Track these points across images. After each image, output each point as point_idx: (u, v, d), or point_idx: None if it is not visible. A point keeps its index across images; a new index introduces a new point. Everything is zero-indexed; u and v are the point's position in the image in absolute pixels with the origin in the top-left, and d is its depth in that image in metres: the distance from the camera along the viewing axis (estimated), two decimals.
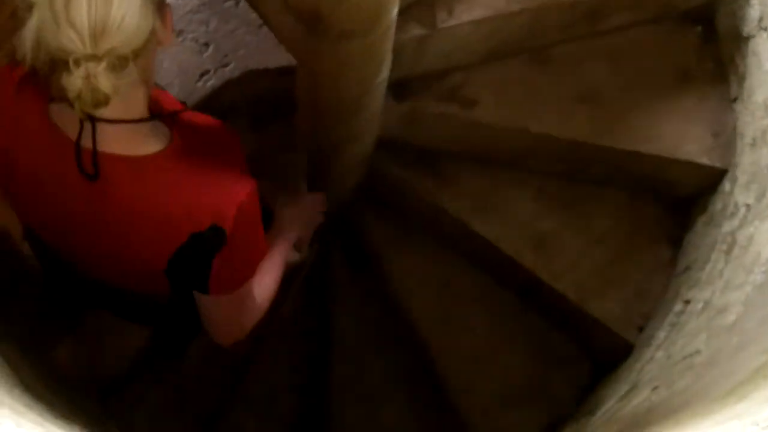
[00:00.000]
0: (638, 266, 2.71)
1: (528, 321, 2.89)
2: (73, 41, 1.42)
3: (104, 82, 1.44)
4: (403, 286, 2.98)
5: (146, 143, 1.63)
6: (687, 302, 2.39)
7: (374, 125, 2.47)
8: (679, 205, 2.75)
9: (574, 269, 2.70)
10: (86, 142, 1.56)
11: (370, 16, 1.83)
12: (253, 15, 4.66)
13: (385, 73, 2.18)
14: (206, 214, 1.62)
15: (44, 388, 1.89)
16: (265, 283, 1.92)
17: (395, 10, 1.90)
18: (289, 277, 3.54)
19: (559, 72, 2.71)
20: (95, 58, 1.44)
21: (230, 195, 1.65)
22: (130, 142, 1.60)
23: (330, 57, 1.95)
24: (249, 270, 1.78)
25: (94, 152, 1.56)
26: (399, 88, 2.57)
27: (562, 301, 2.70)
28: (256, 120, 4.20)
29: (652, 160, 2.63)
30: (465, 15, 2.43)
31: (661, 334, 2.44)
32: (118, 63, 1.47)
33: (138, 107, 1.61)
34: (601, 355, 2.78)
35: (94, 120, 1.53)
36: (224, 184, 1.68)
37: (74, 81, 1.43)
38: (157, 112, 1.67)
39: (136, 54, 1.50)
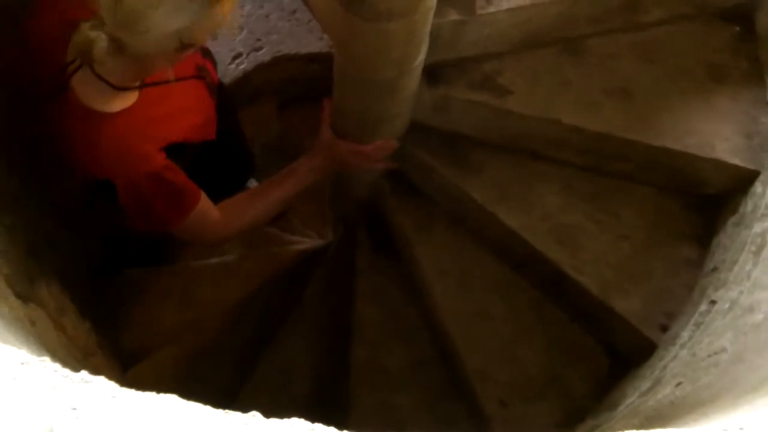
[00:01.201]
0: (663, 263, 2.70)
1: (548, 313, 2.89)
2: (106, 10, 1.70)
3: (97, 53, 1.75)
4: (426, 272, 2.98)
5: (103, 103, 1.96)
6: (713, 302, 2.38)
7: (408, 108, 2.47)
8: (706, 203, 2.73)
9: (598, 263, 2.69)
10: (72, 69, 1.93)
11: None
12: (287, 0, 4.69)
13: (422, 56, 2.18)
14: (101, 172, 2.04)
15: None
16: (241, 208, 2.43)
17: None
18: (312, 259, 3.56)
19: (593, 64, 2.70)
20: (108, 33, 1.73)
21: (125, 168, 2.02)
22: (95, 95, 1.95)
23: (369, 37, 1.96)
24: (162, 220, 2.20)
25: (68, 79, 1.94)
26: (432, 73, 2.57)
27: (584, 295, 2.69)
28: (285, 103, 4.22)
29: (681, 157, 2.62)
30: (504, 2, 2.43)
31: (685, 334, 2.43)
32: (118, 50, 1.77)
33: (117, 77, 1.93)
34: (620, 350, 2.77)
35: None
36: (129, 158, 2.02)
37: (82, 33, 1.74)
38: (126, 86, 1.98)
39: (142, 55, 1.82)
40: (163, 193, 2.10)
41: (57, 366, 0.66)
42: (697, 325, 2.40)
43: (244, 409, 0.82)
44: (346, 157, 2.57)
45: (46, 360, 0.65)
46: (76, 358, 2.24)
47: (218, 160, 2.58)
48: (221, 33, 1.92)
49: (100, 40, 1.76)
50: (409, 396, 3.05)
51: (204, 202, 2.25)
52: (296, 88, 4.20)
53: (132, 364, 2.93)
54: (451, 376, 3.00)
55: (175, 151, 2.12)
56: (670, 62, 2.74)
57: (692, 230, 2.72)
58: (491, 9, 2.43)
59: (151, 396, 0.65)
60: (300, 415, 0.84)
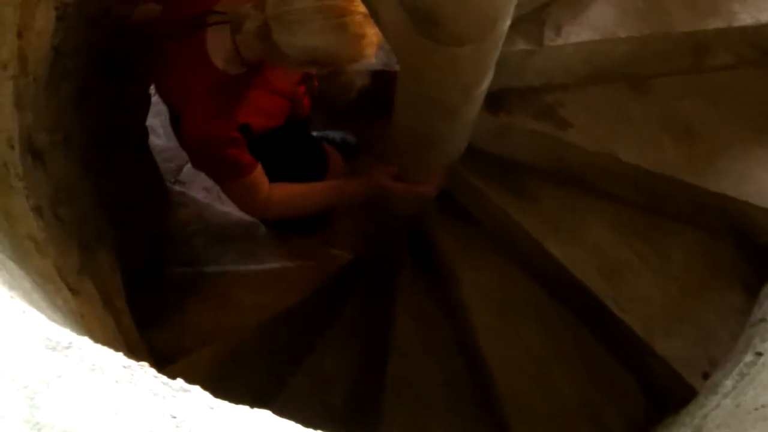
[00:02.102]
0: (710, 309, 2.68)
1: (588, 346, 2.87)
2: (273, 2, 2.09)
3: (246, 28, 2.16)
4: (466, 294, 2.98)
5: (221, 60, 2.28)
6: (759, 354, 2.35)
7: (467, 133, 2.48)
8: (759, 252, 2.71)
9: (644, 303, 2.67)
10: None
11: (486, 23, 1.83)
12: None
13: (487, 83, 2.18)
14: (183, 104, 2.36)
15: None
16: (284, 196, 2.63)
17: (509, 21, 1.90)
18: (353, 273, 3.57)
19: (656, 103, 2.69)
20: (264, 18, 2.11)
21: (204, 117, 2.30)
22: (218, 51, 2.27)
23: (438, 60, 1.96)
24: (213, 175, 2.56)
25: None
26: (495, 100, 2.57)
27: (627, 333, 2.67)
28: (337, 117, 4.24)
29: (737, 204, 2.60)
30: (572, 36, 2.43)
31: (729, 383, 2.40)
32: (263, 35, 2.14)
33: (246, 50, 2.25)
34: (659, 392, 2.74)
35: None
36: (213, 112, 2.30)
37: (245, 7, 2.17)
38: (246, 60, 2.31)
39: (277, 50, 2.15)
40: (220, 154, 2.37)
41: (154, 371, 0.66)
42: (742, 375, 2.37)
43: (279, 415, 0.83)
44: (398, 197, 2.78)
45: (145, 365, 0.66)
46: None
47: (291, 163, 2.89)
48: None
49: (255, 20, 2.15)
50: (440, 416, 3.05)
51: (257, 177, 2.49)
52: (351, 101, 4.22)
53: (166, 364, 2.94)
54: (483, 399, 2.99)
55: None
56: (734, 107, 2.73)
57: (742, 278, 2.70)
58: (559, 41, 2.43)
59: (245, 410, 0.66)
60: (333, 427, 0.85)
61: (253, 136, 2.46)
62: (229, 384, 2.92)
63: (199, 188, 4.32)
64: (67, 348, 0.61)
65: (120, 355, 0.66)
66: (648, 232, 2.75)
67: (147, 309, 3.12)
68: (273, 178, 2.61)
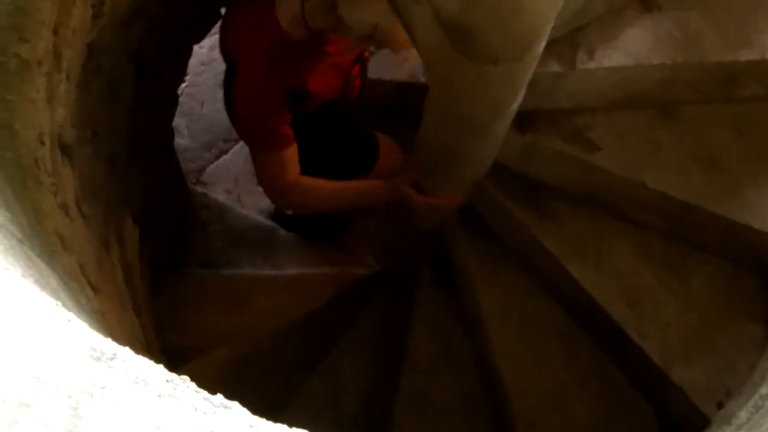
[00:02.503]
0: (729, 340, 2.66)
1: (605, 369, 2.87)
2: None
3: (312, 5, 2.35)
4: (485, 312, 2.97)
5: (287, 21, 2.43)
6: None
7: (495, 150, 2.48)
8: None
9: (663, 331, 2.66)
10: None
11: (522, 43, 1.83)
12: None
13: (518, 103, 2.18)
14: (243, 54, 2.52)
15: None
16: (309, 189, 2.70)
17: (544, 43, 1.90)
18: (371, 284, 3.57)
19: (685, 131, 2.68)
20: None
21: (258, 77, 2.47)
22: (286, 13, 2.41)
23: (471, 78, 1.96)
24: (245, 136, 2.68)
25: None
26: (524, 119, 2.57)
27: (644, 359, 2.66)
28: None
29: (763, 237, 2.59)
30: (605, 60, 2.42)
31: (743, 414, 2.37)
32: (329, 5, 2.29)
33: (311, 17, 2.40)
34: (673, 419, 2.73)
35: None
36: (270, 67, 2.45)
37: None
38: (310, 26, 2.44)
39: (340, 20, 2.30)
40: (263, 112, 2.53)
41: (194, 385, 0.66)
42: (757, 408, 2.35)
43: (291, 421, 0.82)
44: (419, 209, 2.80)
45: (186, 379, 0.66)
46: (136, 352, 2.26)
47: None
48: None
49: None
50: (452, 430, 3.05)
51: (288, 156, 2.61)
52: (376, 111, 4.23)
53: (180, 363, 2.95)
54: (497, 417, 2.98)
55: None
56: (762, 138, 2.72)
57: (763, 309, 2.69)
58: (592, 65, 2.42)
59: (284, 428, 0.66)
60: None
61: (304, 107, 2.64)
62: (242, 388, 2.92)
63: (220, 190, 4.34)
64: (112, 359, 0.61)
65: (161, 367, 0.66)
66: (671, 259, 2.74)
67: (163, 308, 3.13)
68: (319, 164, 2.75)
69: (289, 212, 3.81)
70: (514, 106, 2.19)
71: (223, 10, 2.89)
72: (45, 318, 0.60)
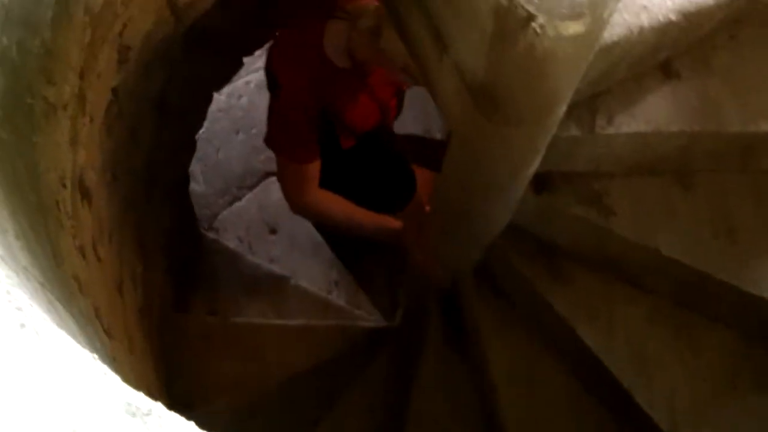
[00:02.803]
0: (737, 411, 2.65)
1: None
2: None
3: (360, 24, 2.52)
4: (494, 373, 2.96)
5: (332, 47, 2.62)
6: None
7: (510, 210, 2.48)
8: None
9: (673, 400, 2.64)
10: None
11: (544, 107, 1.84)
12: None
13: (536, 164, 2.19)
14: (286, 71, 2.70)
15: None
16: (327, 210, 2.90)
17: (566, 106, 1.92)
18: (379, 338, 3.56)
19: (701, 199, 2.68)
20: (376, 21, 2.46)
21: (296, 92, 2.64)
22: (332, 39, 2.61)
23: (491, 137, 1.97)
24: (274, 144, 2.81)
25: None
26: (540, 181, 2.57)
27: (653, 428, 2.64)
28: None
29: None
30: (624, 126, 2.43)
31: None
32: (373, 35, 2.44)
33: (355, 45, 2.58)
34: None
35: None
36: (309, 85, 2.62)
37: (368, 7, 2.54)
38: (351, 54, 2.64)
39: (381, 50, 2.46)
40: (293, 123, 2.70)
41: None
42: None
43: None
44: (414, 263, 2.99)
45: None
46: None
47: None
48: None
49: (370, 20, 2.47)
50: None
51: (309, 173, 2.79)
52: None
53: (184, 409, 2.92)
54: None
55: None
56: None
57: None
58: (611, 130, 2.43)
59: None
60: None
61: (335, 136, 2.81)
62: None
63: (232, 237, 4.35)
64: (147, 415, 0.62)
65: (192, 424, 0.67)
66: (682, 327, 2.73)
67: (170, 352, 3.13)
68: (356, 195, 2.95)
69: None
70: (532, 168, 2.20)
71: (245, 59, 2.97)
72: (83, 370, 0.61)
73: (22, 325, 0.63)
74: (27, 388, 0.58)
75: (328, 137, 2.79)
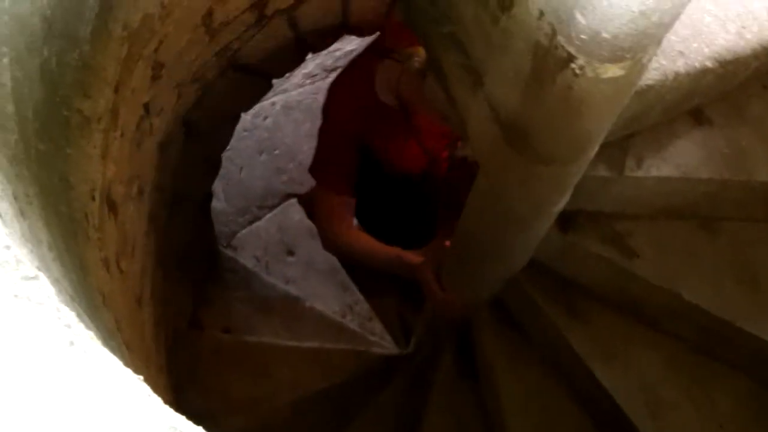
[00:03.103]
0: None
1: None
2: None
3: (408, 65, 2.66)
4: (505, 406, 2.95)
5: (381, 87, 2.77)
6: None
7: (532, 247, 2.48)
8: None
9: None
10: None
11: (576, 147, 1.84)
12: None
13: (564, 203, 2.19)
14: (340, 104, 2.87)
15: None
16: (349, 247, 3.06)
17: (597, 147, 1.92)
18: (392, 366, 3.55)
19: (726, 246, 2.67)
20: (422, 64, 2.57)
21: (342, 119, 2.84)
22: (383, 74, 2.79)
23: (521, 174, 1.97)
24: (313, 170, 3.02)
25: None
26: (565, 219, 2.57)
27: None
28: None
29: None
30: (653, 169, 2.43)
31: None
32: (420, 75, 2.55)
33: (403, 84, 2.70)
34: None
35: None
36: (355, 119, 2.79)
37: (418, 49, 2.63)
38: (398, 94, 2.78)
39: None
40: (333, 151, 2.90)
41: None
42: None
43: None
44: (432, 299, 2.98)
45: None
46: None
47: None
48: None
49: (419, 62, 2.58)
50: None
51: (337, 208, 2.98)
52: None
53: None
54: None
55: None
56: None
57: None
58: (640, 173, 2.43)
59: None
60: None
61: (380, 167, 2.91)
62: None
63: (249, 256, 4.35)
64: None
65: None
66: (699, 373, 2.72)
67: (182, 369, 3.13)
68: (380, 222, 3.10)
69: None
70: (559, 206, 2.20)
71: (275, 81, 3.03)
72: (128, 392, 0.61)
73: (71, 343, 0.63)
74: (75, 408, 0.58)
75: (370, 168, 2.94)
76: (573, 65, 1.49)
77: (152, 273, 2.72)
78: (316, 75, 4.90)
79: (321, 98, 4.76)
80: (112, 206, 2.10)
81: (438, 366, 3.31)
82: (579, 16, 1.38)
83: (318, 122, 3.07)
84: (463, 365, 3.28)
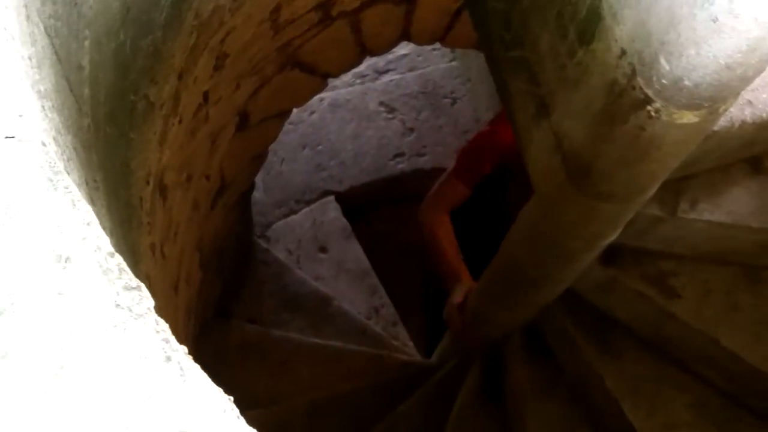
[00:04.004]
0: None
1: None
2: None
3: None
4: (530, 429, 2.94)
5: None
6: None
7: (573, 278, 2.46)
8: None
9: None
10: None
11: (639, 187, 1.83)
12: (463, 118, 4.78)
13: (613, 238, 2.17)
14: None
15: None
16: (434, 232, 3.08)
17: (657, 187, 1.90)
18: (416, 376, 3.55)
19: (766, 297, 2.65)
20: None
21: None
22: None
23: (577, 209, 1.96)
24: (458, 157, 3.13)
25: None
26: (610, 253, 2.56)
27: None
28: None
29: None
30: (706, 213, 2.41)
31: None
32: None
33: None
34: None
35: None
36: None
37: None
38: None
39: None
40: (477, 149, 3.10)
41: None
42: None
43: None
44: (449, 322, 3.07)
45: None
46: None
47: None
48: None
49: None
50: None
51: (457, 194, 3.07)
52: None
53: None
54: None
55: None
56: None
57: None
58: (692, 215, 2.41)
59: None
60: None
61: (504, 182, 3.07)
62: None
63: (282, 248, 4.37)
64: None
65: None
66: (728, 421, 2.69)
67: (207, 356, 3.13)
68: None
69: None
70: (608, 241, 2.19)
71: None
72: (223, 415, 0.61)
73: (168, 359, 0.63)
74: (172, 428, 0.58)
75: (496, 181, 3.07)
76: (649, 108, 1.48)
77: (190, 258, 2.73)
78: (366, 75, 4.90)
79: (369, 99, 4.83)
80: (163, 191, 2.11)
81: (462, 383, 3.30)
82: (663, 62, 1.37)
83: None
84: (488, 385, 3.26)
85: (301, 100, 3.50)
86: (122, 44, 1.51)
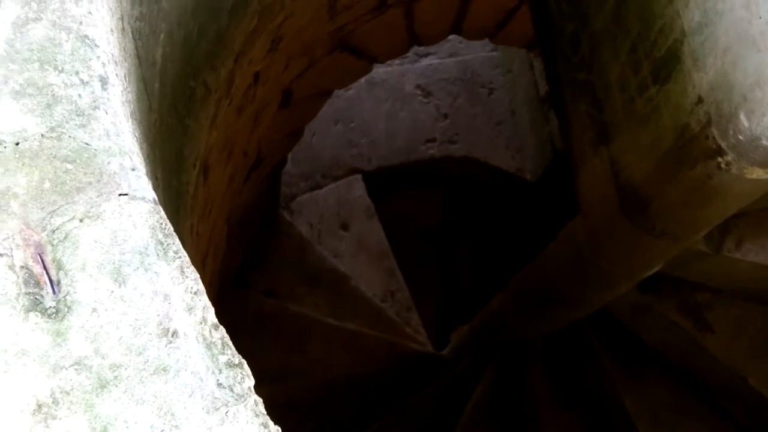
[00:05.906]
0: None
1: None
2: None
3: None
4: None
5: None
6: None
7: (606, 302, 2.44)
8: None
9: None
10: None
11: (694, 228, 1.80)
12: (498, 109, 4.73)
13: (656, 270, 2.15)
14: None
15: None
16: None
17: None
18: (428, 369, 3.54)
19: None
20: None
21: None
22: None
23: (626, 240, 1.93)
24: None
25: None
26: (648, 279, 2.53)
27: None
28: (450, 202, 4.23)
29: None
30: (751, 254, 2.38)
31: None
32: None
33: None
34: None
35: None
36: None
37: None
38: None
39: None
40: None
41: None
42: None
43: None
44: None
45: None
46: None
47: None
48: None
49: None
50: None
51: None
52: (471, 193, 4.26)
53: None
54: None
55: None
56: None
57: None
58: (737, 255, 2.38)
59: None
60: None
61: None
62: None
63: (304, 221, 4.33)
64: None
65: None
66: None
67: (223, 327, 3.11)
68: None
69: None
70: (651, 272, 2.16)
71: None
72: None
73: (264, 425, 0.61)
74: None
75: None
76: (720, 159, 1.45)
77: (219, 232, 2.71)
78: (406, 57, 4.83)
79: (406, 81, 4.78)
80: (205, 171, 2.09)
81: (476, 385, 3.28)
82: (743, 117, 1.33)
83: None
84: (501, 389, 3.25)
85: (345, 82, 3.47)
86: (190, 32, 1.49)
